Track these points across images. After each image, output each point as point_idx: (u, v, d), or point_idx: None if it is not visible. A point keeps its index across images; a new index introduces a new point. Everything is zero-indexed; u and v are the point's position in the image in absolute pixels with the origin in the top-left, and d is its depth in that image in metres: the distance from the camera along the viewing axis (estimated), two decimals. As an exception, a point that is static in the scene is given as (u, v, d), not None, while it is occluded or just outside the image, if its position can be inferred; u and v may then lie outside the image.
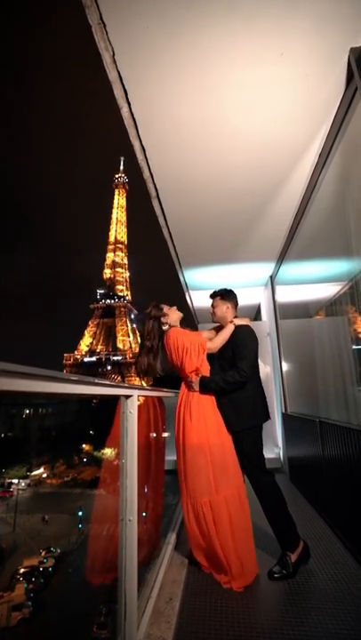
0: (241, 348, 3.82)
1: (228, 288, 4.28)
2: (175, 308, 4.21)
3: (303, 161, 4.41)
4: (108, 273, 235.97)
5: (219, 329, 4.19)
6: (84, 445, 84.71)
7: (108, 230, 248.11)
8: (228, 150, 4.23)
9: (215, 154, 4.29)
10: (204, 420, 3.66)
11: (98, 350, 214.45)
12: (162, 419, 4.35)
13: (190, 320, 10.93)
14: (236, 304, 4.22)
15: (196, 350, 3.82)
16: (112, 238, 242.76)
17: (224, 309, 4.13)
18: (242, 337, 3.91)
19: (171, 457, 4.19)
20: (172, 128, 3.87)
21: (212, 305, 4.21)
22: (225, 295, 4.19)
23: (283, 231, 6.16)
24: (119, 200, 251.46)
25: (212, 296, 4.25)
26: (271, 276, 8.39)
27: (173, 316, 4.13)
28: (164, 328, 4.09)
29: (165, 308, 4.14)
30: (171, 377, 4.09)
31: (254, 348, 3.88)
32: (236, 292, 4.27)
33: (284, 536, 3.60)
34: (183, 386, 3.90)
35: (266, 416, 3.92)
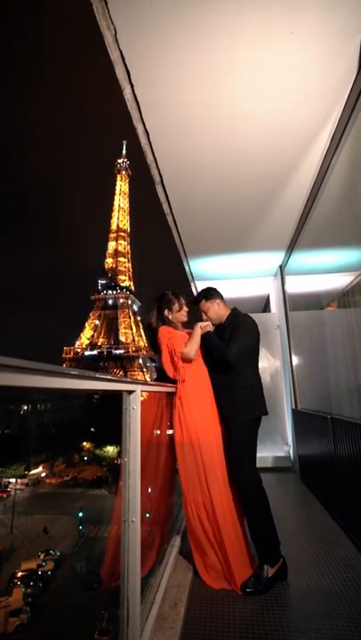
0: (235, 330, 3.84)
1: (206, 287, 4.27)
2: (184, 311, 4.19)
3: (314, 146, 4.41)
4: (109, 262, 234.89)
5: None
6: (84, 443, 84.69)
7: (110, 218, 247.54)
8: (235, 133, 4.23)
9: (222, 137, 4.28)
10: (194, 417, 3.73)
11: (99, 343, 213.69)
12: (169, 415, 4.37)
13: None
14: (222, 297, 4.20)
15: (168, 354, 3.89)
16: (114, 226, 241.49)
17: (216, 307, 4.10)
18: (237, 321, 3.95)
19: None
20: (177, 110, 3.87)
21: (202, 310, 4.16)
22: (207, 295, 4.16)
23: (293, 219, 6.16)
24: (121, 186, 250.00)
25: (196, 303, 4.22)
26: (281, 266, 8.39)
27: (177, 316, 4.13)
28: (165, 315, 4.10)
29: (177, 307, 4.11)
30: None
31: (248, 331, 3.88)
32: (244, 282, 4.28)
33: (264, 547, 3.52)
34: (179, 384, 3.90)
35: (264, 409, 3.89)
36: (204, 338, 3.89)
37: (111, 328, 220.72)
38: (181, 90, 3.62)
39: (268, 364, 8.77)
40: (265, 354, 8.74)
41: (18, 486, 65.29)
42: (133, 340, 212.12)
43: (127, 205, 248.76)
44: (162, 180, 4.97)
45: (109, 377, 2.24)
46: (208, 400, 3.85)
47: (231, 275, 8.67)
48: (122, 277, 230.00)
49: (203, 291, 4.20)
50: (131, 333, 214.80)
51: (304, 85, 3.61)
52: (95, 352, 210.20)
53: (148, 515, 3.64)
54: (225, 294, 4.19)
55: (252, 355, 3.93)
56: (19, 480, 67.09)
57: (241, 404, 3.75)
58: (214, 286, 4.26)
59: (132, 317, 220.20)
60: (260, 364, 4.31)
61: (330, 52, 3.28)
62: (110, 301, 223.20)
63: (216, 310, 4.08)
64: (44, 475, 73.98)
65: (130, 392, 2.61)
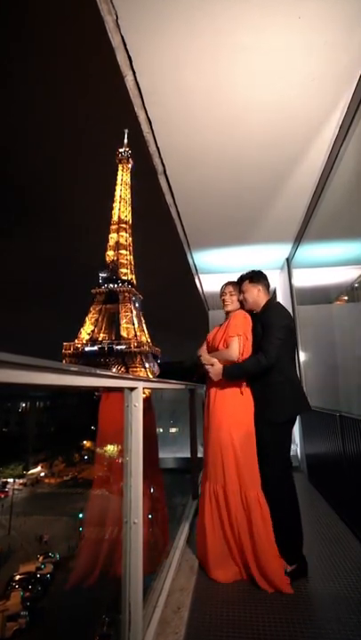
0: (268, 328, 3.82)
1: (257, 270, 4.25)
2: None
3: (322, 134, 4.39)
4: (110, 255, 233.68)
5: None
6: (84, 442, 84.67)
7: (111, 209, 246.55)
8: (240, 122, 4.22)
9: (226, 126, 4.27)
10: (222, 412, 3.81)
11: (100, 339, 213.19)
12: (150, 415, 4.42)
13: (200, 306, 10.95)
14: (267, 285, 4.22)
15: (245, 340, 3.93)
16: (115, 218, 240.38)
17: (255, 293, 4.11)
18: (269, 315, 3.93)
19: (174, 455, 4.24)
20: (180, 98, 3.86)
21: (242, 290, 4.18)
22: (254, 277, 4.15)
23: (300, 210, 6.14)
24: (123, 176, 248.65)
25: (240, 281, 4.23)
26: (288, 259, 8.35)
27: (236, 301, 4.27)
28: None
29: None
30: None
31: (279, 326, 3.83)
32: (249, 276, 4.25)
33: (285, 548, 3.55)
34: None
35: (306, 405, 3.93)
36: (232, 375, 3.84)
37: (112, 323, 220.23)
38: (185, 76, 3.61)
39: (294, 353, 8.74)
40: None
41: (16, 486, 65.38)
42: (135, 336, 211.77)
43: (129, 196, 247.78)
44: (165, 170, 4.96)
45: (110, 373, 2.25)
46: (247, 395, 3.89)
47: (236, 268, 8.51)
48: (123, 270, 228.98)
49: (251, 272, 4.22)
50: (132, 328, 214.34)
51: (311, 72, 3.60)
52: (96, 348, 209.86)
53: (150, 516, 3.66)
54: (230, 288, 4.22)
55: (287, 346, 3.91)
56: (17, 480, 67.18)
57: (279, 401, 3.76)
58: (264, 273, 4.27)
59: (133, 312, 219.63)
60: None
61: (338, 40, 3.27)
62: (111, 295, 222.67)
63: (255, 295, 4.11)
64: (43, 474, 74.12)
65: (132, 389, 2.61)
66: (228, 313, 4.24)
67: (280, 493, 3.65)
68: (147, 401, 4.41)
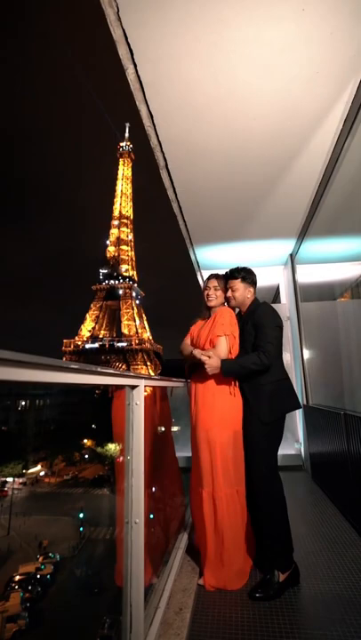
0: (262, 329, 3.77)
1: (247, 267, 4.18)
2: None
3: (326, 127, 4.38)
4: (111, 251, 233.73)
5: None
6: (85, 441, 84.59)
7: (112, 204, 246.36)
8: (243, 115, 4.21)
9: (229, 119, 4.26)
10: (210, 411, 3.74)
11: (101, 336, 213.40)
12: (167, 411, 4.41)
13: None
14: (256, 286, 4.17)
15: (233, 339, 3.87)
16: (116, 213, 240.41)
17: (246, 293, 4.08)
18: (262, 315, 3.87)
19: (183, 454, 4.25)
20: (183, 91, 3.85)
21: (231, 287, 4.08)
22: (247, 278, 4.10)
23: (304, 205, 6.12)
24: (124, 171, 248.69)
25: (231, 277, 4.11)
26: (291, 255, 8.34)
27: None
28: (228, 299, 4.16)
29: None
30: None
31: (274, 327, 3.81)
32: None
33: (277, 552, 3.50)
34: (195, 376, 3.91)
35: (296, 403, 3.93)
36: (238, 366, 3.73)
37: (113, 320, 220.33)
38: (187, 69, 3.60)
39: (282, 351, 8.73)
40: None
41: (15, 486, 65.30)
42: (136, 333, 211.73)
43: (130, 191, 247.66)
44: (166, 165, 4.95)
45: (111, 371, 2.24)
46: (235, 394, 3.84)
47: (239, 264, 8.49)
48: (124, 266, 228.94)
49: (243, 269, 4.14)
50: (134, 325, 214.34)
51: (315, 64, 3.59)
52: (97, 345, 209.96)
53: (151, 516, 3.65)
54: (233, 284, 4.19)
55: (280, 347, 3.90)
56: (16, 479, 67.11)
57: (271, 400, 3.73)
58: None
59: (135, 308, 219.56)
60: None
61: (343, 29, 3.26)
62: (112, 292, 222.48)
63: (243, 295, 4.07)
64: (42, 474, 73.92)
65: (133, 387, 2.61)
66: (211, 308, 4.15)
67: (268, 495, 3.62)
68: (162, 397, 4.42)
